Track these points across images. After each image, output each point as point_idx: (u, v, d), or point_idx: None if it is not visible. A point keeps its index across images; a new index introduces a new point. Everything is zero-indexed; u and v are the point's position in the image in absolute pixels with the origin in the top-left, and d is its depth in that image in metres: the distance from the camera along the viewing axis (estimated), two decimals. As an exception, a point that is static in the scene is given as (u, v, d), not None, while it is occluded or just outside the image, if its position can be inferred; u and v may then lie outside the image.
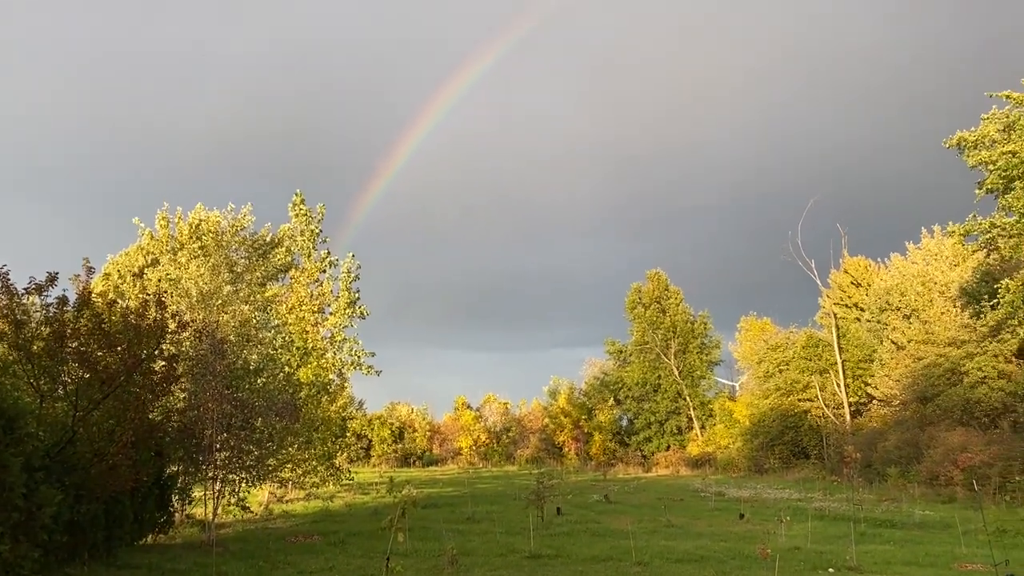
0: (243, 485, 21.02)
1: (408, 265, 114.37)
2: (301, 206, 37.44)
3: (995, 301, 31.11)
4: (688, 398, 59.78)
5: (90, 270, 17.34)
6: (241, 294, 26.66)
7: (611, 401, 63.72)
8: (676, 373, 59.90)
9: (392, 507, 19.42)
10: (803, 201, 59.22)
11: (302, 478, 27.66)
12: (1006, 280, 29.79)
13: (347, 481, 32.01)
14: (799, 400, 47.86)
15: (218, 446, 19.40)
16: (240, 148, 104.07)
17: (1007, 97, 28.50)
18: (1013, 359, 34.90)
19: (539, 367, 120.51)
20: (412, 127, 67.98)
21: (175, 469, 19.39)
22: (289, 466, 25.26)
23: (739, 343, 58.61)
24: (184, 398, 19.63)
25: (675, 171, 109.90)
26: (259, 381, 21.79)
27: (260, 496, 27.99)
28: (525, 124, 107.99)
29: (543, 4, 75.44)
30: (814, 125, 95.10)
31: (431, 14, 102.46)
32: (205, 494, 20.15)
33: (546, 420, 67.57)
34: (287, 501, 29.90)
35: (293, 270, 35.97)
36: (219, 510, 20.37)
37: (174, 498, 19.45)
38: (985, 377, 34.99)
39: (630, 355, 63.25)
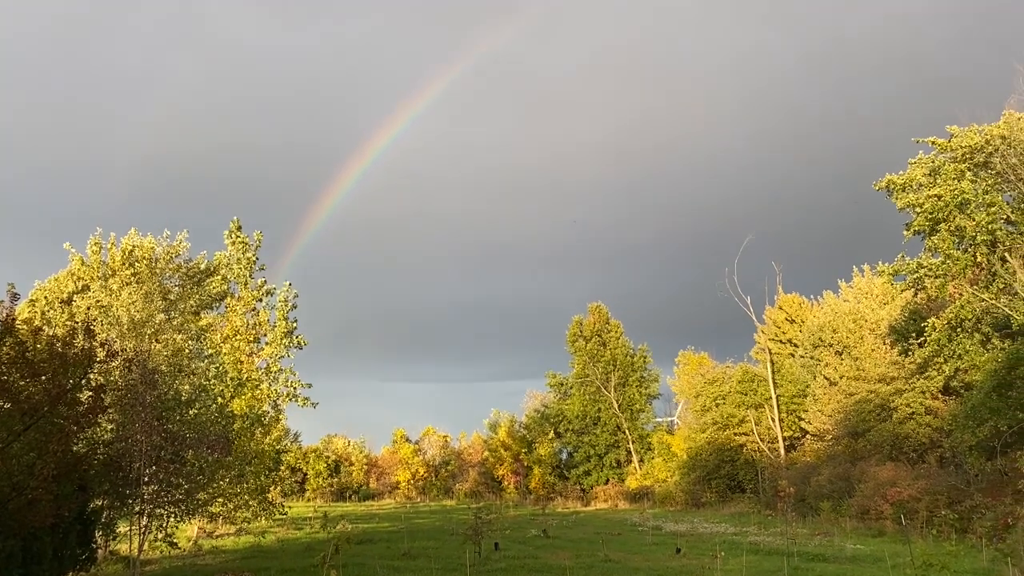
0: (171, 520, 20.37)
1: (349, 296, 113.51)
2: (238, 234, 36.86)
3: (922, 339, 32.15)
4: (627, 431, 60.04)
5: (14, 296, 16.71)
6: (174, 322, 26.01)
7: (551, 434, 63.61)
8: (616, 406, 60.16)
9: (326, 543, 19.03)
10: (740, 239, 60.53)
11: (233, 512, 26.93)
12: (932, 319, 30.83)
13: (280, 516, 31.28)
14: (735, 434, 48.44)
15: (146, 479, 18.80)
16: (178, 174, 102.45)
17: (932, 143, 29.72)
18: (939, 395, 35.90)
19: (480, 399, 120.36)
20: (355, 158, 67.85)
21: (99, 503, 18.71)
22: (220, 500, 24.58)
23: (677, 377, 59.25)
24: (111, 429, 19.01)
25: (617, 206, 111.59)
26: (191, 412, 21.23)
27: (189, 531, 27.17)
28: (472, 157, 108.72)
29: (489, 40, 76.33)
30: (751, 165, 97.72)
31: (378, 46, 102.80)
32: (131, 529, 19.46)
33: (486, 453, 67.13)
34: (217, 536, 29.06)
35: (229, 299, 35.31)
36: (145, 546, 19.71)
37: (97, 534, 18.74)
38: (913, 413, 35.92)
39: (571, 388, 63.36)
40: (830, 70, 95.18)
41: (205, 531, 28.68)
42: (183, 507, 20.23)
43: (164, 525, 20.09)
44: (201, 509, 22.13)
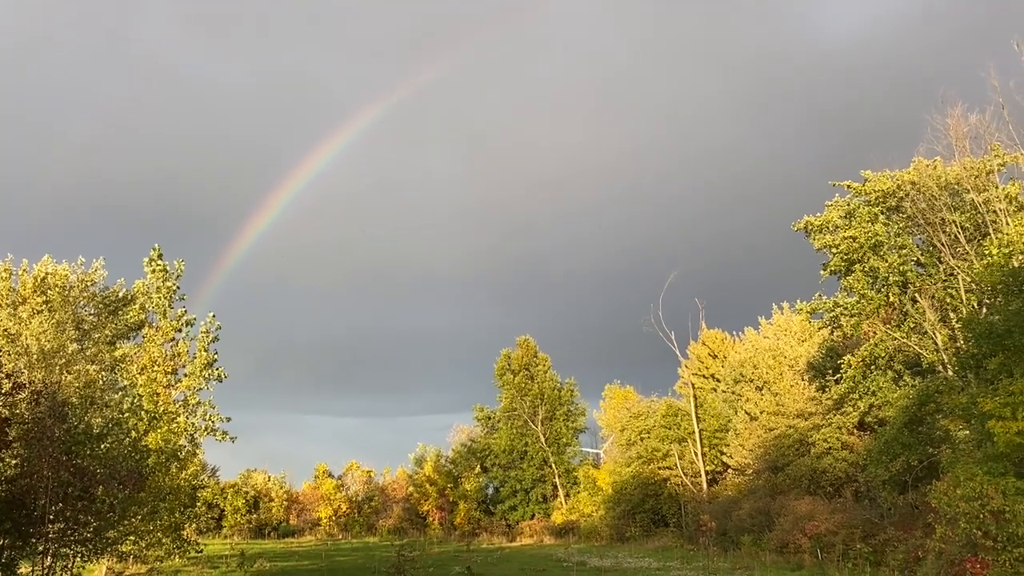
0: (78, 559, 19.51)
1: (272, 328, 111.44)
2: (158, 261, 35.73)
3: (838, 376, 33.13)
4: (554, 465, 60.01)
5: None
6: (88, 352, 25.07)
7: (478, 469, 63.14)
8: (543, 440, 60.13)
9: (242, 583, 18.39)
10: (665, 275, 61.63)
11: (145, 551, 25.93)
12: (848, 356, 31.83)
13: (195, 554, 30.22)
14: (659, 468, 48.81)
15: (51, 517, 17.98)
16: (97, 200, 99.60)
17: (848, 187, 30.93)
18: (855, 431, 36.92)
19: (406, 434, 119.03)
20: (279, 188, 67.05)
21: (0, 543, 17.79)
22: (131, 538, 23.65)
23: (603, 411, 59.54)
24: (15, 465, 18.14)
25: (545, 242, 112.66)
26: (102, 447, 20.44)
27: (96, 571, 26.03)
28: (400, 188, 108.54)
29: (425, 75, 76.77)
30: (676, 204, 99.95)
31: (311, 76, 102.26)
32: (33, 570, 18.57)
33: (411, 488, 66.23)
34: (127, 577, 27.93)
35: (147, 328, 34.20)
36: (48, 588, 18.76)
37: (-4, 576, 17.81)
38: (830, 448, 36.81)
39: (498, 422, 63.07)
40: (756, 111, 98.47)
41: (114, 571, 27.52)
42: (91, 546, 19.41)
43: (70, 565, 19.27)
44: (110, 548, 21.26)
